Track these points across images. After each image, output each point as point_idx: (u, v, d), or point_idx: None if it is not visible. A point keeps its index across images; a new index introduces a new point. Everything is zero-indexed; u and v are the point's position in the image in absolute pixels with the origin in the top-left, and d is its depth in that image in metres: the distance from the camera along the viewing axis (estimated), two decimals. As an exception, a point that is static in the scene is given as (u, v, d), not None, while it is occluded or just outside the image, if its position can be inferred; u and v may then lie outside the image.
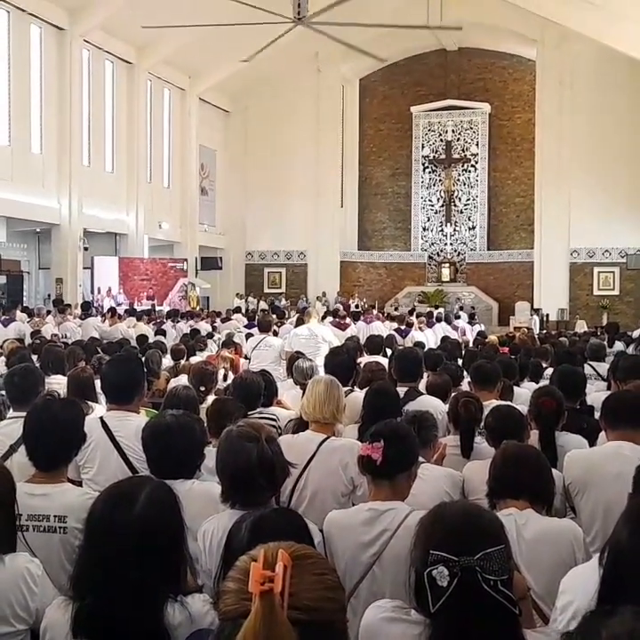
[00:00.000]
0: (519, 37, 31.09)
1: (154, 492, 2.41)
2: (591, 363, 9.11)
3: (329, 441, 4.34)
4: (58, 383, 6.44)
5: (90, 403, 5.54)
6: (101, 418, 4.59)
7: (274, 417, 5.62)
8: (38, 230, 26.11)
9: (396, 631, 2.15)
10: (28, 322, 15.69)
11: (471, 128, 34.70)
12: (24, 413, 3.86)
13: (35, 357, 8.73)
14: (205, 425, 4.17)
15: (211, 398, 5.77)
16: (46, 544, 3.17)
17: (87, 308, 19.24)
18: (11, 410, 5.15)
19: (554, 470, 3.75)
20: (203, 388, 6.02)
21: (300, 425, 4.80)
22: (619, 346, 12.75)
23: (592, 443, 4.83)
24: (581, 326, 26.56)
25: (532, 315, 28.41)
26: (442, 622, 1.97)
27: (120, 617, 2.20)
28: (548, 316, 29.74)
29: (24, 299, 25.13)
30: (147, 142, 28.77)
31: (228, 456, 3.20)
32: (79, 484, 4.19)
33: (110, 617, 2.21)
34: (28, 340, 12.41)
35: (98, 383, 5.68)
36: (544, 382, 7.30)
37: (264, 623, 1.25)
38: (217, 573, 2.49)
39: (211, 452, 4.08)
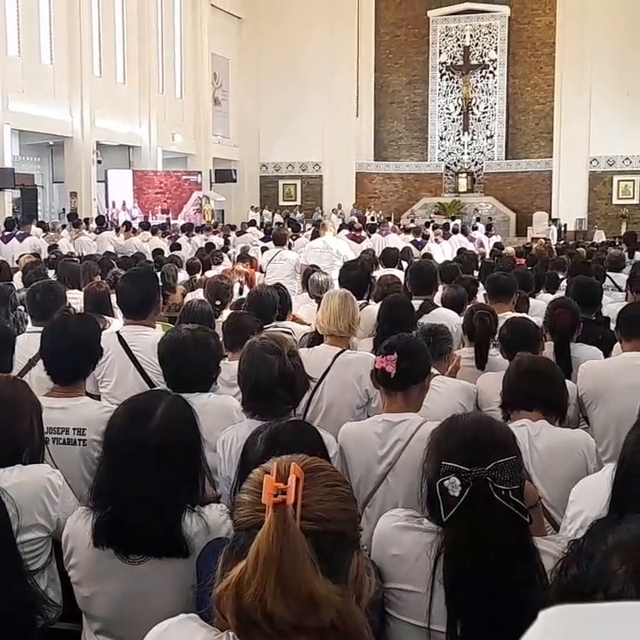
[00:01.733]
0: None
1: (170, 405, 2.45)
2: (609, 274, 9.05)
3: (344, 354, 4.37)
4: (74, 298, 6.47)
5: (106, 317, 5.58)
6: (118, 332, 4.64)
7: (289, 331, 5.63)
8: (51, 143, 25.88)
9: (409, 539, 2.20)
10: (43, 236, 15.70)
11: (490, 32, 33.72)
12: (42, 328, 3.90)
13: (51, 272, 8.77)
14: (221, 339, 4.20)
15: (226, 312, 5.79)
16: (66, 456, 3.24)
17: (102, 223, 19.20)
18: (28, 324, 5.20)
19: (568, 381, 3.77)
20: (218, 302, 6.04)
21: (314, 338, 4.83)
22: (639, 257, 12.64)
23: (607, 354, 4.85)
24: (600, 236, 26.31)
25: (549, 225, 28.14)
26: (454, 530, 2.03)
27: (139, 526, 2.27)
28: (565, 226, 29.45)
29: (39, 213, 25.09)
30: (158, 51, 28.17)
31: (251, 367, 3.24)
32: (97, 397, 4.25)
33: (130, 526, 2.28)
34: (43, 255, 12.43)
35: (114, 298, 5.73)
36: (560, 293, 7.29)
37: (277, 534, 1.28)
38: (234, 484, 2.54)
39: (227, 366, 4.14)
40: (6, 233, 14.56)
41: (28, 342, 4.45)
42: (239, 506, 1.44)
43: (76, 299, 6.44)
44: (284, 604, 1.27)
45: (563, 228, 28.96)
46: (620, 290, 8.37)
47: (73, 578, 2.41)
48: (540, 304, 6.68)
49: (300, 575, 1.28)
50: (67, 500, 2.75)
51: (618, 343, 4.55)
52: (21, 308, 5.89)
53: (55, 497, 2.68)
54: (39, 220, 20.64)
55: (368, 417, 3.78)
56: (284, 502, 1.30)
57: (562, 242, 23.70)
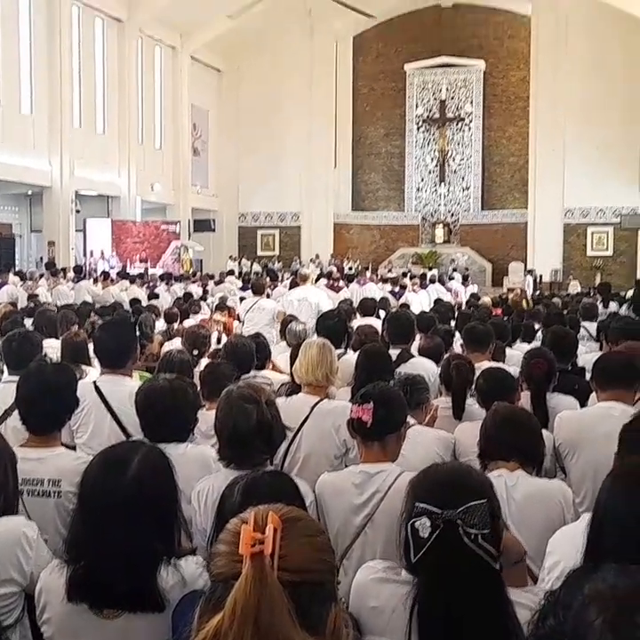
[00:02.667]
0: (514, -7, 30.73)
1: (147, 455, 2.43)
2: (584, 323, 9.14)
3: (322, 403, 4.36)
4: (51, 347, 6.44)
5: (83, 367, 5.54)
6: (95, 382, 4.60)
7: (268, 380, 5.64)
8: (29, 193, 25.92)
9: (386, 591, 2.19)
10: (20, 285, 15.64)
11: (465, 86, 34.39)
12: (18, 377, 3.87)
13: (29, 321, 8.72)
14: (198, 388, 4.19)
15: (204, 362, 5.78)
16: (41, 508, 3.20)
17: (80, 272, 19.20)
18: (4, 374, 5.16)
19: (544, 431, 3.79)
20: (196, 352, 6.03)
21: (293, 388, 4.82)
22: (613, 307, 12.79)
23: (583, 404, 4.87)
24: (575, 287, 26.60)
25: (525, 275, 28.41)
26: (424, 575, 2.02)
27: (114, 580, 2.24)
28: (541, 276, 29.76)
29: (16, 262, 25.01)
30: (138, 102, 28.45)
31: (228, 417, 3.24)
32: (73, 448, 4.21)
33: (104, 580, 2.24)
34: (21, 304, 12.38)
35: (91, 347, 5.70)
36: (536, 343, 7.34)
37: (255, 585, 1.27)
38: (210, 535, 2.52)
39: (204, 416, 4.12)
40: (-17, 282, 14.51)
41: (4, 392, 4.40)
42: (216, 556, 1.43)
43: (53, 348, 6.40)
44: None
45: (538, 279, 29.25)
46: (595, 339, 8.45)
47: (46, 633, 2.36)
48: (516, 354, 6.72)
49: (277, 627, 1.27)
50: (41, 553, 2.70)
51: (594, 393, 4.58)
52: (-3, 357, 5.84)
53: (29, 550, 2.64)
54: (17, 269, 20.58)
55: (346, 467, 3.77)
56: (261, 553, 1.30)
57: (537, 292, 23.93)
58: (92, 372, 5.45)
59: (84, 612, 2.27)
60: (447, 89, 34.55)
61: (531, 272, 29.07)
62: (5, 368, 5.13)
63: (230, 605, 1.28)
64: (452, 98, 34.57)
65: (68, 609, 2.28)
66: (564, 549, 2.50)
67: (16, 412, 3.73)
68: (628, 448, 2.90)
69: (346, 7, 20.55)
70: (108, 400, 4.44)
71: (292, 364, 5.04)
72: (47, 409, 3.46)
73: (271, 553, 1.30)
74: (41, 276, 17.91)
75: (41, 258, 24.93)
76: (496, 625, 1.96)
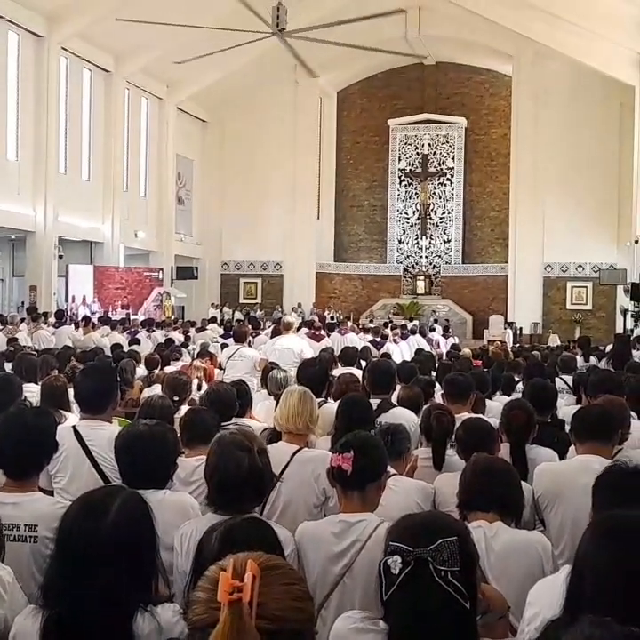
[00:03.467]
0: (496, 53, 31.39)
1: (126, 501, 2.41)
2: (562, 376, 9.20)
3: (302, 452, 4.35)
4: (31, 392, 6.40)
5: (63, 411, 5.51)
6: (74, 427, 4.58)
7: (248, 428, 5.61)
8: (13, 237, 25.92)
9: (364, 641, 2.17)
10: (0, 330, 15.55)
11: (447, 142, 34.94)
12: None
13: (8, 365, 8.67)
14: (178, 435, 4.17)
15: (184, 408, 5.76)
16: (16, 553, 3.15)
17: (61, 317, 19.13)
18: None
19: (524, 483, 3.79)
20: (176, 398, 6.01)
21: (273, 435, 4.81)
22: (593, 361, 12.89)
23: (562, 456, 4.88)
24: (554, 340, 26.75)
25: (505, 328, 28.59)
26: (394, 614, 2.01)
27: (89, 626, 2.21)
28: (521, 329, 29.94)
29: (-3, 306, 24.94)
30: (124, 151, 28.68)
31: (219, 462, 3.23)
32: (51, 493, 4.17)
33: (80, 626, 2.21)
34: (0, 348, 12.31)
35: (71, 392, 5.67)
36: (516, 395, 7.37)
37: (232, 632, 1.27)
38: (187, 582, 2.49)
39: (183, 462, 4.10)
40: (-37, 325, 14.42)
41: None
42: (194, 603, 1.42)
43: (32, 392, 6.37)
44: None
45: (518, 332, 29.43)
46: (573, 392, 8.50)
47: (18, 680, 2.33)
48: (496, 405, 6.75)
49: (255, 675, 1.26)
50: (16, 597, 2.67)
51: (573, 445, 4.59)
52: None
53: (4, 594, 2.60)
54: (-3, 313, 20.49)
55: (325, 516, 3.75)
56: (239, 600, 1.29)
57: (517, 345, 24.04)
58: (71, 418, 5.42)
59: (58, 660, 2.23)
60: (429, 144, 35.09)
61: (511, 325, 29.26)
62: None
63: (208, 653, 1.27)
64: (434, 153, 35.09)
65: (42, 656, 2.25)
66: (544, 601, 2.50)
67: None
68: (599, 502, 2.91)
69: (358, 48, 20.75)
70: (87, 445, 4.41)
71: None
72: (26, 453, 3.44)
73: (249, 601, 1.30)
74: (22, 320, 17.82)
75: (22, 302, 24.84)
76: None
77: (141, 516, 2.42)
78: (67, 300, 25.43)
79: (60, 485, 4.42)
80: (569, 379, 9.04)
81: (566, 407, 6.99)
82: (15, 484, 3.41)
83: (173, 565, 3.24)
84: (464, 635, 1.98)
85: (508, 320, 30.02)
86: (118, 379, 5.99)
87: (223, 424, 4.98)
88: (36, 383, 6.83)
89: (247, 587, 1.30)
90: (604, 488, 2.96)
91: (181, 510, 3.53)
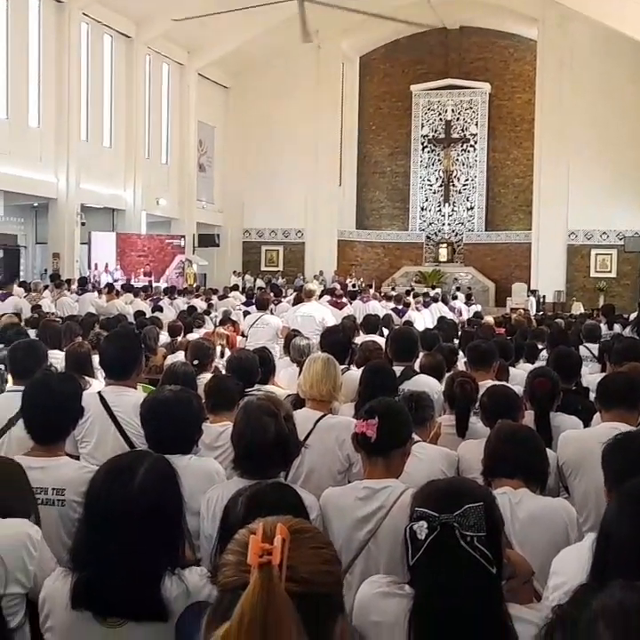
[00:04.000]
0: (520, 17, 30.93)
1: (153, 465, 2.43)
2: (587, 344, 9.15)
3: (326, 418, 4.37)
4: (55, 358, 6.45)
5: (87, 378, 5.55)
6: (99, 393, 4.61)
7: (271, 394, 5.63)
8: (35, 205, 26.01)
9: (390, 605, 2.18)
10: (24, 297, 15.66)
11: (471, 108, 34.57)
12: (23, 387, 3.88)
13: (32, 332, 8.73)
14: (203, 401, 4.20)
15: (207, 375, 5.79)
16: (44, 517, 3.18)
17: (84, 284, 19.23)
18: (8, 383, 5.16)
19: (548, 450, 3.78)
20: (196, 362, 6.03)
21: (296, 402, 4.82)
22: (617, 328, 12.79)
23: (587, 424, 4.87)
24: (578, 308, 26.60)
25: (528, 296, 28.43)
26: (420, 579, 2.02)
27: (118, 588, 2.24)
28: (544, 297, 29.75)
29: (21, 273, 25.08)
30: (145, 118, 28.62)
31: (246, 427, 3.25)
32: (77, 458, 4.21)
33: (109, 588, 2.24)
34: (25, 315, 12.40)
35: (95, 358, 5.71)
36: (540, 363, 7.34)
37: (262, 595, 1.27)
38: (214, 545, 2.51)
39: (208, 428, 4.12)
40: (-12, 292, 14.54)
41: (8, 401, 4.39)
42: (224, 566, 1.43)
43: (57, 359, 6.41)
44: None
45: (541, 300, 29.25)
46: (598, 360, 8.45)
47: (49, 641, 2.36)
48: (519, 373, 6.72)
49: (284, 637, 1.27)
50: (44, 556, 2.71)
51: (597, 413, 4.58)
52: (1, 366, 5.84)
53: (33, 551, 2.64)
54: (21, 280, 20.62)
55: (349, 482, 3.76)
56: (269, 563, 1.30)
57: (540, 313, 23.92)
58: (96, 384, 5.46)
59: (87, 620, 2.26)
60: (453, 110, 34.73)
61: (534, 293, 29.08)
62: (10, 377, 5.14)
63: (238, 615, 1.27)
64: (458, 119, 34.75)
65: (72, 616, 2.28)
66: (570, 569, 2.49)
67: (20, 421, 3.75)
68: (610, 469, 2.92)
69: (378, 17, 20.57)
70: (112, 410, 4.45)
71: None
72: (52, 418, 3.48)
73: (279, 563, 1.30)
74: (45, 287, 17.94)
75: (45, 269, 25.00)
76: (493, 629, 1.95)
77: (168, 479, 2.44)
78: (89, 268, 25.55)
79: (86, 450, 4.46)
80: (593, 347, 8.98)
81: (591, 375, 6.95)
82: (42, 448, 3.45)
83: (199, 530, 3.27)
84: (490, 599, 1.99)
85: (531, 288, 29.83)
86: (142, 345, 6.02)
87: (247, 390, 5.01)
88: (61, 350, 6.87)
89: (277, 550, 1.31)
90: (615, 452, 2.96)
91: (207, 475, 3.56)
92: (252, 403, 3.35)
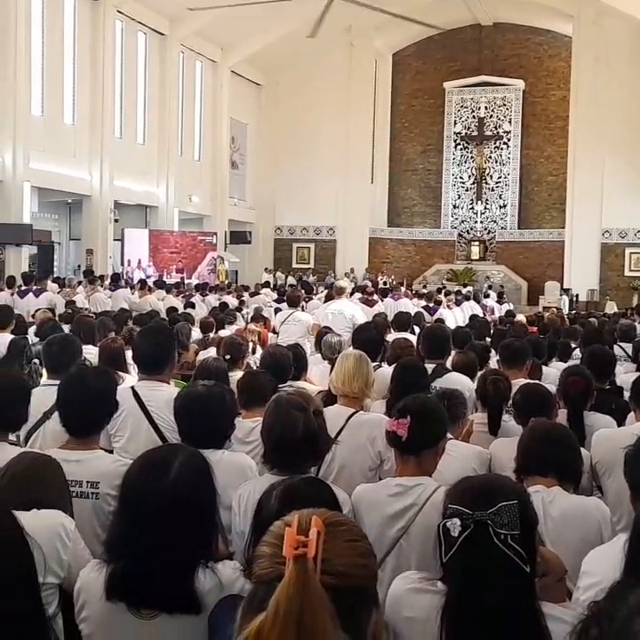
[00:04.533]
0: (555, 13, 30.66)
1: (188, 459, 2.45)
2: (621, 343, 9.06)
3: (357, 415, 4.37)
4: (89, 353, 6.50)
5: (121, 373, 5.59)
6: (132, 387, 4.65)
7: (303, 391, 5.64)
8: (69, 201, 26.27)
9: (422, 601, 2.18)
10: (58, 292, 15.82)
11: (504, 105, 34.33)
12: (58, 381, 3.92)
13: (66, 328, 8.82)
14: (235, 397, 4.22)
15: (239, 372, 5.81)
16: (79, 509, 3.21)
17: (117, 280, 19.35)
18: (43, 377, 5.22)
19: (582, 449, 3.75)
20: (228, 356, 6.05)
21: (328, 399, 4.83)
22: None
23: (620, 423, 4.82)
24: (611, 307, 26.34)
25: (561, 295, 28.18)
26: (453, 576, 2.02)
27: (152, 580, 2.26)
28: (577, 296, 29.50)
29: (55, 269, 25.36)
30: (178, 115, 28.78)
31: (276, 422, 3.26)
32: (110, 452, 4.24)
33: (143, 580, 2.27)
34: (59, 311, 12.52)
35: (128, 354, 5.75)
36: (573, 362, 7.28)
37: (297, 587, 1.28)
38: (247, 540, 2.53)
39: (241, 424, 4.14)
40: (23, 288, 14.70)
41: (44, 395, 4.42)
42: (259, 558, 1.44)
43: (91, 354, 6.47)
44: None
45: (574, 298, 29.00)
46: (633, 360, 8.37)
47: (84, 631, 2.38)
48: (552, 372, 6.68)
49: (319, 629, 1.27)
50: (78, 546, 2.74)
51: (631, 413, 4.53)
52: (36, 361, 5.92)
53: (67, 541, 2.67)
54: (55, 276, 20.83)
55: (380, 479, 3.76)
56: (304, 555, 1.30)
57: (573, 312, 23.72)
58: (129, 379, 5.50)
59: (121, 612, 2.29)
60: (486, 107, 34.52)
61: (567, 291, 28.84)
62: (45, 371, 5.20)
63: (273, 607, 1.28)
64: (491, 116, 34.53)
65: (107, 608, 2.30)
66: (603, 567, 2.47)
67: (55, 415, 3.79)
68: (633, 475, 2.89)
69: (407, 20, 20.62)
70: (145, 405, 4.48)
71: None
72: (87, 412, 3.51)
73: (314, 556, 1.31)
74: (79, 283, 18.11)
75: (79, 265, 25.24)
76: (526, 628, 1.95)
77: (202, 473, 2.46)
78: (122, 264, 25.74)
79: (119, 445, 4.50)
80: (628, 346, 8.90)
81: (625, 374, 6.89)
82: (77, 442, 3.49)
83: (231, 525, 3.28)
84: (523, 597, 1.99)
85: (565, 287, 29.57)
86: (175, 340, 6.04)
87: (279, 386, 5.03)
88: (94, 345, 6.92)
89: (312, 542, 1.31)
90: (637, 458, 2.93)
91: (239, 470, 3.57)
92: (282, 397, 3.36)
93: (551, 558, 2.43)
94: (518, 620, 1.95)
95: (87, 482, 3.33)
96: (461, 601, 2.00)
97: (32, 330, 9.27)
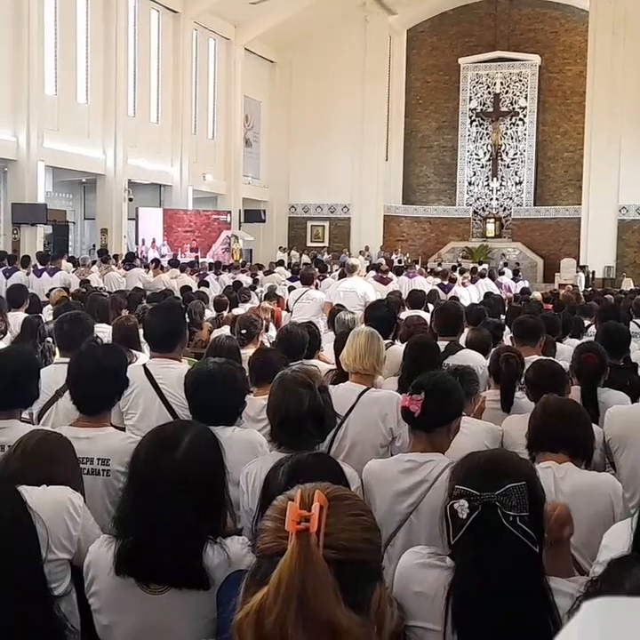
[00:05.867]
0: (572, -14, 30.27)
1: (197, 435, 2.46)
2: (637, 320, 9.00)
3: (368, 392, 4.36)
4: (102, 332, 6.51)
5: (134, 351, 5.60)
6: (144, 365, 4.66)
7: (315, 368, 5.63)
8: (84, 180, 26.26)
9: (430, 576, 2.18)
10: (73, 271, 15.87)
11: (520, 80, 34.00)
12: (69, 359, 3.93)
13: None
14: (247, 374, 4.21)
15: (252, 349, 5.80)
16: (90, 486, 3.23)
17: (131, 259, 19.37)
18: (56, 355, 5.24)
19: (594, 425, 3.73)
20: (244, 331, 6.05)
21: (339, 376, 4.82)
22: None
23: (634, 400, 4.80)
24: (628, 284, 26.15)
25: (577, 272, 28.01)
26: (461, 557, 2.02)
27: (160, 555, 2.27)
28: (593, 273, 29.31)
29: (69, 248, 25.44)
30: (192, 93, 28.66)
31: (281, 400, 3.26)
32: (122, 430, 4.26)
33: (151, 555, 2.27)
34: (73, 290, 12.55)
35: (142, 332, 5.76)
36: (587, 339, 7.24)
37: (300, 561, 1.27)
38: (255, 515, 2.53)
39: (252, 401, 4.14)
40: (38, 267, 14.75)
41: (56, 373, 4.45)
42: (262, 532, 1.43)
43: (104, 332, 6.47)
44: (306, 633, 1.25)
45: (591, 275, 28.82)
46: (648, 337, 8.31)
47: (93, 606, 2.40)
48: (566, 348, 6.64)
49: (321, 604, 1.27)
50: (87, 521, 2.76)
51: (646, 389, 4.51)
52: (50, 339, 5.93)
53: (76, 516, 2.69)
54: (70, 255, 20.89)
55: (391, 456, 3.75)
56: (307, 530, 1.30)
57: (589, 289, 23.58)
58: (142, 357, 5.51)
59: (130, 587, 2.30)
60: (501, 83, 34.20)
61: (583, 268, 28.65)
62: (57, 350, 5.21)
63: (275, 581, 1.28)
64: (507, 92, 34.22)
65: (116, 582, 2.32)
66: (620, 545, 2.46)
67: (67, 393, 3.80)
68: None
69: None
70: (157, 383, 4.49)
71: (336, 352, 5.05)
72: (98, 389, 3.52)
73: (317, 530, 1.30)
74: (93, 262, 18.16)
75: (94, 245, 25.28)
76: (533, 605, 1.94)
77: (212, 449, 2.46)
78: (137, 243, 25.77)
79: (131, 422, 4.51)
80: (642, 323, 8.84)
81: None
82: (88, 419, 3.50)
83: (239, 503, 3.29)
84: (532, 576, 1.98)
85: (581, 263, 29.39)
86: (187, 319, 6.05)
87: (291, 364, 5.02)
88: (108, 323, 6.94)
89: (314, 516, 1.31)
90: None
91: (250, 447, 3.58)
92: (287, 375, 3.36)
93: (560, 513, 2.38)
94: (526, 598, 1.95)
95: (98, 459, 3.34)
96: (469, 579, 2.00)
97: (47, 309, 9.31)
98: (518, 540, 1.96)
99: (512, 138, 34.29)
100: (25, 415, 4.04)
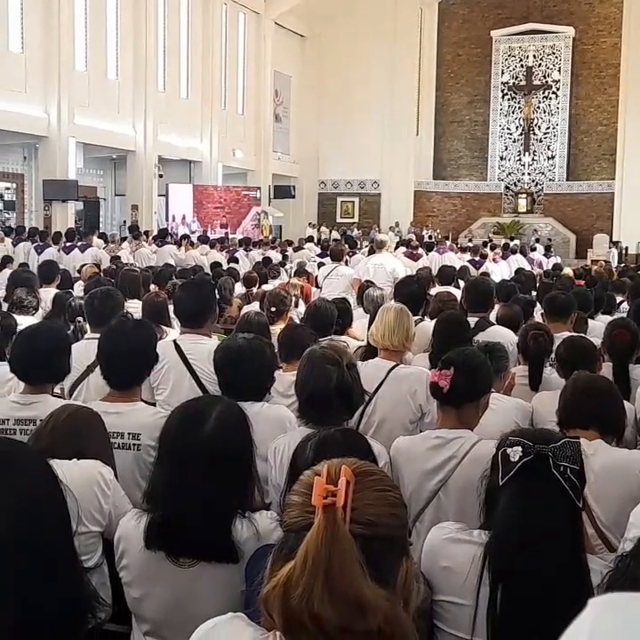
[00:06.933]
0: (607, -44, 29.72)
1: (225, 410, 2.47)
2: (669, 297, 8.88)
3: (397, 368, 4.35)
4: (133, 307, 6.55)
5: (163, 327, 5.64)
6: (175, 341, 4.68)
7: (344, 345, 5.63)
8: (114, 157, 26.37)
9: (459, 551, 2.19)
10: (103, 248, 15.96)
11: (553, 53, 33.51)
12: (99, 335, 3.95)
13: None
14: (276, 349, 4.22)
15: (281, 325, 5.81)
16: (121, 461, 3.25)
17: (164, 236, 19.41)
18: (87, 331, 5.28)
19: (626, 402, 3.70)
20: (273, 309, 6.06)
21: (368, 352, 4.82)
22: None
23: (667, 377, 4.74)
24: (662, 260, 25.83)
25: (610, 247, 27.70)
26: (504, 510, 2.03)
27: (190, 529, 2.29)
28: (627, 249, 28.98)
29: (100, 225, 25.58)
30: (221, 68, 28.61)
31: (309, 376, 3.27)
32: (153, 405, 4.29)
33: (181, 529, 2.30)
34: (104, 266, 12.63)
35: (171, 308, 5.79)
36: (619, 315, 7.17)
37: (326, 536, 1.28)
38: (283, 491, 2.55)
39: (281, 377, 4.15)
40: (68, 243, 14.85)
41: (87, 349, 4.49)
42: (289, 507, 1.44)
43: (135, 308, 6.52)
44: (332, 607, 1.26)
45: (624, 251, 28.50)
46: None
47: (124, 579, 2.43)
48: (598, 325, 6.58)
49: (348, 578, 1.27)
50: (118, 494, 2.79)
51: (679, 366, 4.45)
52: (80, 319, 5.97)
53: (107, 489, 2.72)
54: (100, 231, 21.02)
55: (420, 432, 3.75)
56: (333, 505, 1.30)
57: (622, 265, 23.31)
58: (172, 333, 5.54)
59: (160, 560, 2.32)
60: (534, 56, 33.75)
61: (616, 244, 28.34)
62: (88, 326, 5.26)
63: (302, 555, 1.29)
64: (539, 65, 33.77)
65: (146, 556, 2.34)
66: None
67: (98, 369, 3.83)
68: None
69: None
70: (187, 358, 4.52)
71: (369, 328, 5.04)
72: (128, 364, 3.54)
73: (343, 505, 1.31)
74: (124, 239, 18.24)
75: (124, 221, 25.41)
76: (572, 571, 1.96)
77: (239, 424, 2.47)
78: (167, 219, 25.85)
79: (162, 397, 4.55)
80: (676, 299, 8.72)
81: (673, 327, 6.75)
82: (118, 394, 3.53)
83: (268, 478, 3.31)
84: (572, 535, 2.00)
85: (614, 239, 29.06)
86: (217, 295, 6.07)
87: (320, 340, 5.02)
88: (139, 299, 6.98)
89: (341, 491, 1.31)
90: None
91: (279, 422, 3.59)
92: (316, 351, 3.36)
93: None
94: (565, 551, 1.98)
95: (128, 433, 3.37)
96: (506, 541, 2.01)
97: (78, 285, 9.38)
98: (564, 491, 1.98)
99: (545, 112, 33.87)
100: (57, 390, 4.08)
